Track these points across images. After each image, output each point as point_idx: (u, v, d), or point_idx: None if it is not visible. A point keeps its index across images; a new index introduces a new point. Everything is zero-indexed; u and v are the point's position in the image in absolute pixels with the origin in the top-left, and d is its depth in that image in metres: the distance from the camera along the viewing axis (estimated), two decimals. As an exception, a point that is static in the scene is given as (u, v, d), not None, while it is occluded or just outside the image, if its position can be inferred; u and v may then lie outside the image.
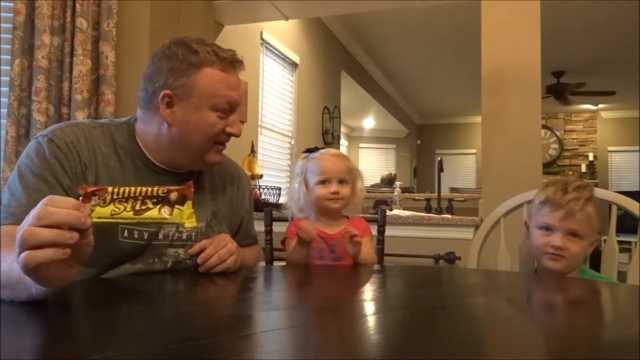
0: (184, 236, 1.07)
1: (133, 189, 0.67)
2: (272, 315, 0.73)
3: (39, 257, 0.61)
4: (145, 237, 1.03)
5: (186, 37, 1.05)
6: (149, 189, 0.68)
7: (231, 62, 1.05)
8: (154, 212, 0.67)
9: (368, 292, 0.98)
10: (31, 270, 0.61)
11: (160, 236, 1.05)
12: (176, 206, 0.68)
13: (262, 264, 1.44)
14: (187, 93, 1.00)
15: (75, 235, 0.62)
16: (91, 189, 0.66)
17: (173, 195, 0.68)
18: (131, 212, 0.67)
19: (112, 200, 0.66)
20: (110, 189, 0.67)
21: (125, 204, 0.67)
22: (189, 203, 0.70)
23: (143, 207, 0.67)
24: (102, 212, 0.66)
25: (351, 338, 0.60)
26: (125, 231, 1.00)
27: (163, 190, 0.69)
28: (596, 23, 5.11)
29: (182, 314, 0.72)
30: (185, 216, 0.69)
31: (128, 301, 0.85)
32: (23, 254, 0.61)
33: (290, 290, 1.02)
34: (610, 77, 6.77)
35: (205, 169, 1.16)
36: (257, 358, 0.53)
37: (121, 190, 0.67)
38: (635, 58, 5.75)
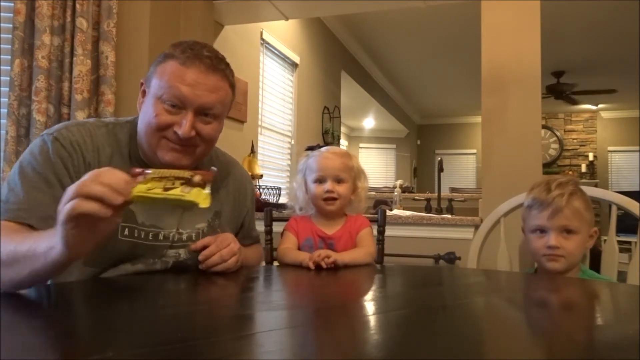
0: (185, 237, 1.07)
1: (170, 171, 0.77)
2: (272, 315, 0.73)
3: (86, 207, 0.68)
4: (142, 236, 1.02)
5: (191, 39, 1.05)
6: (181, 171, 0.77)
7: (196, 57, 0.97)
8: (177, 190, 0.74)
9: (368, 292, 0.98)
10: (71, 218, 0.69)
11: (161, 237, 1.05)
12: (197, 187, 0.75)
13: (263, 263, 1.44)
14: (149, 82, 1.02)
15: (121, 198, 0.70)
16: (139, 170, 0.75)
17: (196, 178, 0.76)
18: (161, 189, 0.74)
19: (152, 179, 0.74)
20: (153, 169, 0.75)
21: (159, 183, 0.74)
22: (208, 186, 0.76)
23: (171, 186, 0.74)
24: (140, 188, 0.73)
25: (351, 338, 0.60)
26: (126, 230, 1.00)
27: (191, 173, 0.77)
28: (596, 23, 5.11)
29: (182, 313, 0.72)
30: (202, 197, 0.75)
31: (128, 301, 0.84)
32: (72, 201, 0.68)
33: (290, 290, 1.02)
34: (610, 77, 6.77)
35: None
36: (257, 358, 0.53)
37: (161, 171, 0.76)
38: (635, 58, 5.75)
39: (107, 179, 0.71)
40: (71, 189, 0.70)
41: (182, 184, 0.75)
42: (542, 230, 1.17)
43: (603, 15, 4.89)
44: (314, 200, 1.27)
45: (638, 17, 4.68)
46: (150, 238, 1.03)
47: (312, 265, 1.11)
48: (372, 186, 4.88)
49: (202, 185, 0.76)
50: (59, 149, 0.96)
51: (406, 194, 4.15)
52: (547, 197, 1.16)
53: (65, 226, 0.70)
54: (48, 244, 0.75)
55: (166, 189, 0.74)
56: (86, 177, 0.71)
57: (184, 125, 0.97)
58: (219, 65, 1.01)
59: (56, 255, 0.74)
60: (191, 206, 0.75)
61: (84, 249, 0.75)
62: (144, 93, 1.04)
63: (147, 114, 0.99)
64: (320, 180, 1.26)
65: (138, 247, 1.02)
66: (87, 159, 0.99)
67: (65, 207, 0.69)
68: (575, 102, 7.21)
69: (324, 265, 1.11)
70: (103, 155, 1.01)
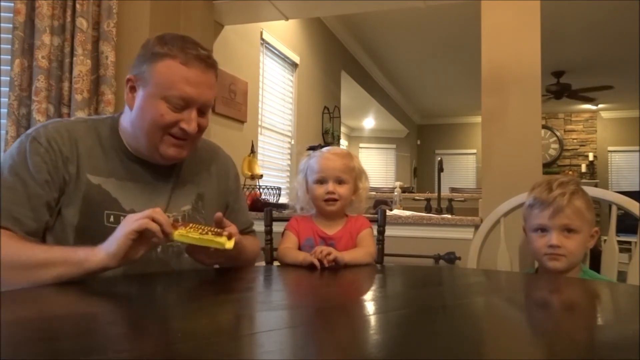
0: (171, 220, 1.09)
1: (204, 226, 1.01)
2: (272, 315, 0.73)
3: (151, 225, 0.89)
4: None
5: (173, 32, 1.08)
6: (212, 228, 1.01)
7: (196, 57, 1.03)
8: (210, 236, 0.98)
9: (368, 292, 0.98)
10: (138, 230, 0.89)
11: None
12: (224, 237, 0.99)
13: (263, 263, 1.44)
14: (145, 80, 1.04)
15: (171, 230, 0.93)
16: (180, 224, 0.99)
17: (225, 234, 1.00)
18: (198, 234, 0.97)
19: (191, 228, 0.98)
20: (191, 224, 1.00)
21: (196, 231, 0.98)
22: (233, 240, 1.00)
23: (205, 234, 0.98)
24: (181, 231, 0.95)
25: (351, 338, 0.60)
26: (112, 216, 1.04)
27: (220, 231, 1.01)
28: (596, 23, 5.11)
29: (182, 313, 0.72)
30: (228, 243, 0.98)
31: (128, 301, 0.85)
32: (144, 219, 0.89)
33: (290, 290, 1.02)
34: (610, 77, 6.76)
35: (190, 156, 1.19)
36: (257, 358, 0.53)
37: (196, 225, 1.00)
38: (635, 58, 5.75)
39: (164, 216, 0.93)
40: (140, 214, 0.91)
41: (212, 234, 0.99)
42: (544, 230, 1.17)
43: (603, 15, 4.89)
44: (314, 201, 1.27)
45: (638, 17, 4.68)
46: None
47: (318, 264, 1.11)
48: (372, 186, 4.88)
49: (228, 237, 1.00)
50: (37, 147, 1.02)
51: (406, 194, 4.15)
52: (548, 197, 1.16)
53: (129, 235, 0.88)
54: (85, 254, 0.90)
55: (202, 234, 0.97)
56: (155, 210, 0.92)
57: (192, 123, 1.04)
58: (213, 62, 1.07)
59: (93, 264, 0.90)
60: (220, 247, 0.97)
61: (125, 260, 0.90)
62: (133, 89, 1.07)
63: (149, 112, 1.03)
64: (321, 181, 1.26)
65: None
66: (64, 153, 1.04)
67: (137, 221, 0.89)
68: (587, 99, 7.17)
69: (326, 264, 1.11)
70: (82, 147, 1.06)
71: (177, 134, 1.05)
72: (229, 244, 0.98)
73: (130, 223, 0.90)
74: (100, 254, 0.90)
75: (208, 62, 1.05)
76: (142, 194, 1.10)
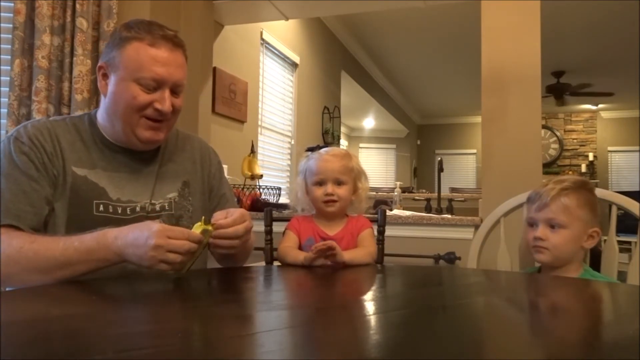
0: (158, 207, 1.13)
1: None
2: (272, 315, 0.73)
3: (172, 257, 0.89)
4: (120, 211, 1.07)
5: (139, 18, 1.10)
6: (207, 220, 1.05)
7: (162, 37, 1.05)
8: (199, 224, 0.98)
9: (368, 292, 0.98)
10: (162, 261, 0.90)
11: (138, 209, 1.09)
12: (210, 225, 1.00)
13: (262, 263, 1.44)
14: (115, 65, 1.06)
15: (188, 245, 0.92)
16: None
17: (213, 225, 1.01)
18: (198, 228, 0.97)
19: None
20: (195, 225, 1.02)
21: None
22: (214, 226, 0.99)
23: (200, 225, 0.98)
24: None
25: (351, 338, 0.60)
26: (101, 206, 1.06)
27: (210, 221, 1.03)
28: (596, 23, 5.11)
29: (182, 314, 0.72)
30: (209, 228, 0.98)
31: (128, 301, 0.85)
32: (163, 263, 0.89)
33: (290, 290, 1.02)
34: (610, 77, 6.77)
35: (172, 144, 1.23)
36: (257, 358, 0.53)
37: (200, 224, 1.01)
38: (635, 58, 5.75)
39: (176, 245, 0.90)
40: (157, 238, 0.88)
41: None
42: (533, 223, 1.19)
43: (603, 15, 4.89)
44: (314, 202, 1.28)
45: (638, 17, 4.68)
46: (128, 213, 1.08)
47: (320, 252, 1.11)
48: (372, 186, 4.88)
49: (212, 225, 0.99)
50: (20, 146, 1.04)
51: (406, 194, 4.15)
52: (539, 191, 1.18)
53: (146, 264, 0.90)
54: (104, 255, 0.92)
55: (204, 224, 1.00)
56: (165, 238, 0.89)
57: (166, 102, 1.06)
58: (180, 42, 1.10)
59: (109, 264, 0.93)
60: (206, 231, 0.97)
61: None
62: (105, 76, 1.09)
63: (122, 96, 1.05)
64: (320, 183, 1.26)
65: (113, 222, 1.04)
66: (47, 149, 1.05)
67: (155, 261, 0.88)
68: (566, 103, 7.18)
69: (326, 259, 1.11)
70: (64, 142, 1.08)
71: (152, 115, 1.07)
72: (212, 227, 0.98)
73: (148, 255, 0.88)
74: (113, 260, 0.93)
75: (175, 42, 1.07)
76: (128, 183, 1.11)
